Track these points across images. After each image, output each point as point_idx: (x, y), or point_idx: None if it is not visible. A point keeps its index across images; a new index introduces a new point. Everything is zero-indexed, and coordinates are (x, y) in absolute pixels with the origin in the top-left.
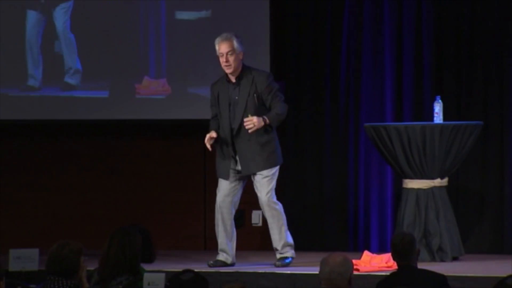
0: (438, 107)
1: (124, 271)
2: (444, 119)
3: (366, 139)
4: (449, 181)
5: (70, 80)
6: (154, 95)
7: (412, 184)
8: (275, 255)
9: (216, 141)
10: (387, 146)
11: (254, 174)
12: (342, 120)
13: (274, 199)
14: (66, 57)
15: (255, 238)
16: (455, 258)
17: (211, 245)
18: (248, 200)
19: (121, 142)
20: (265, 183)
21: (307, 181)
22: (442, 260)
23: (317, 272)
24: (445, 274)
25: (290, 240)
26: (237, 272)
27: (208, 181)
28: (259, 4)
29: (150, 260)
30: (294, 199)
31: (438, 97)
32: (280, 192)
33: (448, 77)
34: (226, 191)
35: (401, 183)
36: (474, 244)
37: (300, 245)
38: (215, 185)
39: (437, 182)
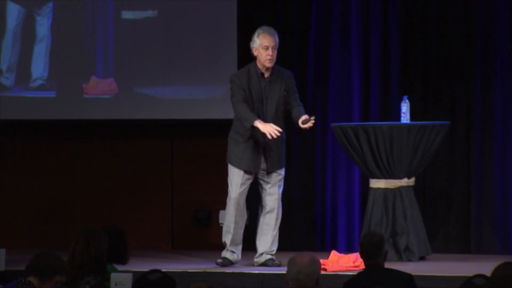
0: (405, 107)
1: (91, 270)
2: (411, 119)
3: (334, 139)
4: (416, 181)
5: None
6: (101, 95)
7: (379, 184)
8: (257, 255)
9: (242, 133)
10: (355, 146)
11: (272, 172)
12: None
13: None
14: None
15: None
16: (422, 258)
17: (178, 245)
18: (216, 200)
19: (87, 142)
20: (280, 183)
21: None
22: (409, 260)
23: (285, 272)
24: (412, 273)
25: None
26: (204, 272)
27: (175, 181)
28: (223, 4)
29: (123, 262)
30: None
31: (405, 97)
32: (248, 193)
33: (415, 77)
34: (243, 188)
35: (368, 182)
36: (441, 243)
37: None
38: (182, 184)
39: (404, 182)
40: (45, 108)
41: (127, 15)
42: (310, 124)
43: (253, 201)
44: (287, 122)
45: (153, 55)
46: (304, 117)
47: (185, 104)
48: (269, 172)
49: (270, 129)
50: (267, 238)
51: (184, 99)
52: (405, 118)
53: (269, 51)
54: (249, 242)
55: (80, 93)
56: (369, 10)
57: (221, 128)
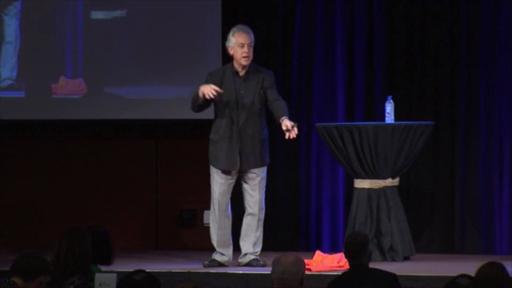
0: (389, 107)
1: (75, 271)
2: (396, 119)
3: (318, 139)
4: (400, 181)
5: None
6: (70, 95)
7: (364, 184)
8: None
9: (216, 132)
10: (339, 146)
11: (248, 172)
12: (294, 120)
13: (264, 203)
14: None
15: (208, 238)
16: (406, 258)
17: (163, 245)
18: (200, 200)
19: (71, 142)
20: (260, 184)
21: None
22: (393, 260)
23: (269, 272)
24: (397, 273)
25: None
26: (189, 272)
27: (160, 181)
28: (202, 4)
29: (108, 262)
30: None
31: (389, 97)
32: (232, 192)
33: (400, 77)
34: (224, 188)
35: (352, 183)
36: (425, 243)
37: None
38: (167, 184)
39: (389, 182)
40: (14, 108)
41: (96, 15)
42: (293, 134)
43: (237, 201)
44: (270, 121)
45: (123, 55)
46: (285, 125)
47: (152, 104)
48: (243, 171)
49: (207, 90)
50: (250, 240)
51: (154, 99)
52: (390, 118)
53: (245, 49)
54: (234, 243)
55: (49, 93)
56: (353, 10)
57: (205, 128)
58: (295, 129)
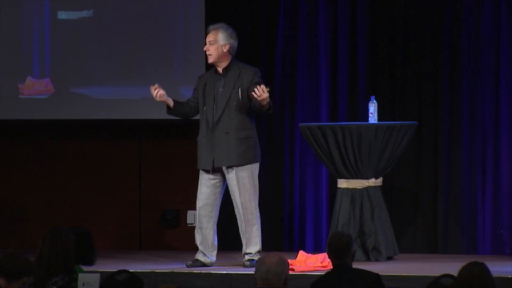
0: (372, 107)
1: (58, 271)
2: (379, 119)
3: (301, 139)
4: (383, 181)
5: None
6: (37, 95)
7: (347, 184)
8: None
9: (199, 132)
10: (322, 146)
11: (228, 173)
12: (278, 120)
13: (255, 203)
14: None
15: (191, 239)
16: (389, 258)
17: (146, 245)
18: (184, 200)
19: (54, 142)
20: (239, 184)
21: None
22: (376, 260)
23: (253, 272)
24: (380, 273)
25: (261, 246)
26: (172, 273)
27: (143, 180)
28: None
29: (90, 263)
30: (229, 199)
31: (372, 97)
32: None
33: (383, 77)
34: (207, 189)
35: (336, 183)
36: (408, 243)
37: (236, 245)
38: (150, 185)
39: (372, 182)
40: None
41: (62, 15)
42: (263, 94)
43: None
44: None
45: (89, 56)
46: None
47: (119, 104)
48: (216, 168)
49: (154, 95)
50: (244, 241)
51: (122, 99)
52: (373, 118)
53: (206, 47)
54: (223, 242)
55: (16, 93)
56: (337, 9)
57: (188, 128)
58: (264, 89)
